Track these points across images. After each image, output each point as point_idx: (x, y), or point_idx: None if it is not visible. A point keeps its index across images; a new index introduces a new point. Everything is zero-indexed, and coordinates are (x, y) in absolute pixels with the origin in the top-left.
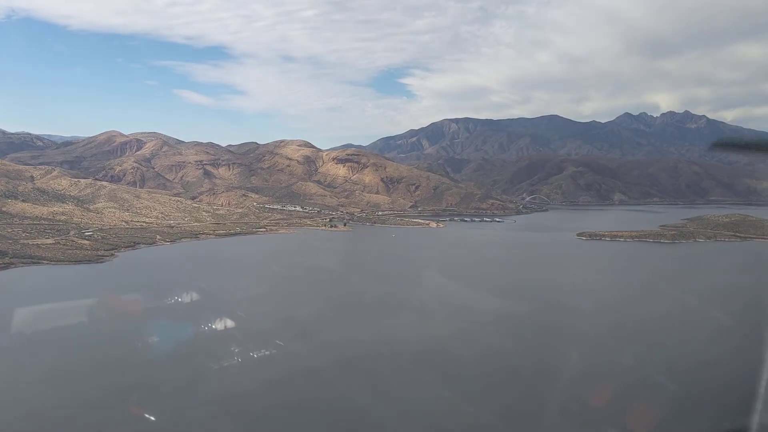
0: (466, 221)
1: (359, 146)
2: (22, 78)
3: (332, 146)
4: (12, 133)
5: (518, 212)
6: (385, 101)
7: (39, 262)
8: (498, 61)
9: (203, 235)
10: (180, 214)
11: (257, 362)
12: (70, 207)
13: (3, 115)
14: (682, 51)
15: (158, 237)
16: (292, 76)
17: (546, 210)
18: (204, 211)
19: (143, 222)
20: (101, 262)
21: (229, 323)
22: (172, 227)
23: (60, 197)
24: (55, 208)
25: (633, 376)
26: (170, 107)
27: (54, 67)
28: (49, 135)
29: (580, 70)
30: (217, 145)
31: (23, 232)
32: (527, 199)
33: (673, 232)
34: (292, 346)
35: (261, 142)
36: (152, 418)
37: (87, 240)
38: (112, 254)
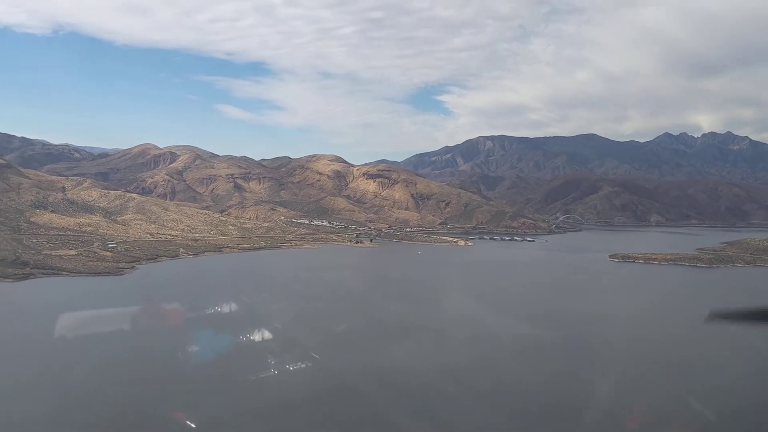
0: (495, 240)
1: (393, 162)
2: (68, 92)
3: (367, 162)
4: (51, 145)
5: (550, 232)
6: (422, 118)
7: (59, 273)
8: (536, 79)
9: (227, 249)
10: (206, 227)
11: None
12: (98, 218)
13: (48, 127)
14: (726, 71)
15: (181, 250)
16: (330, 92)
17: (579, 230)
18: (230, 224)
19: (169, 234)
20: (120, 275)
21: (241, 339)
22: (197, 240)
23: (89, 208)
24: (82, 219)
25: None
26: (211, 122)
27: (99, 82)
28: (91, 147)
29: (619, 89)
30: (251, 159)
31: (48, 243)
32: (561, 218)
33: (710, 256)
34: (295, 366)
35: (299, 157)
36: (193, 425)
37: (109, 252)
38: (133, 267)
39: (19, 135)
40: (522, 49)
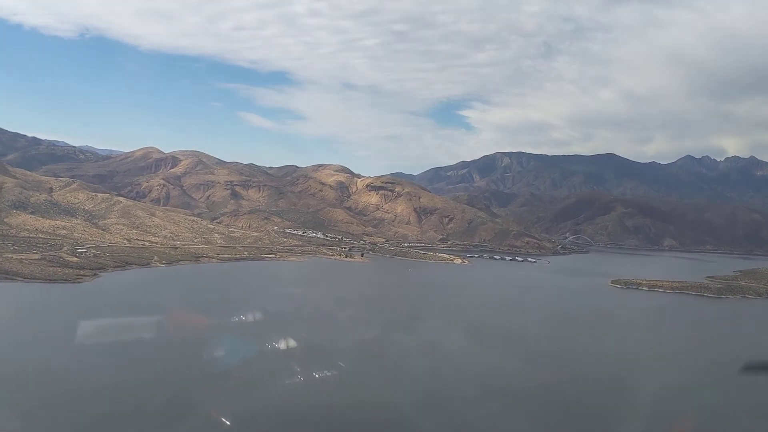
0: (495, 259)
1: (409, 175)
2: (91, 94)
3: (382, 174)
4: (57, 146)
5: (555, 252)
6: (444, 132)
7: (13, 279)
8: (560, 96)
9: (205, 259)
10: (191, 235)
11: None
12: (77, 221)
13: (69, 128)
14: (753, 94)
15: (155, 258)
16: (352, 103)
17: (587, 252)
18: (218, 233)
19: (148, 241)
20: (78, 282)
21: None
22: (176, 248)
23: (71, 211)
24: (58, 222)
25: None
26: (234, 129)
27: (122, 86)
28: (110, 150)
29: (643, 110)
30: (257, 167)
31: (13, 246)
32: (569, 238)
33: (719, 286)
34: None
35: (306, 166)
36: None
37: (76, 257)
38: (95, 274)
39: (30, 135)
40: (546, 66)
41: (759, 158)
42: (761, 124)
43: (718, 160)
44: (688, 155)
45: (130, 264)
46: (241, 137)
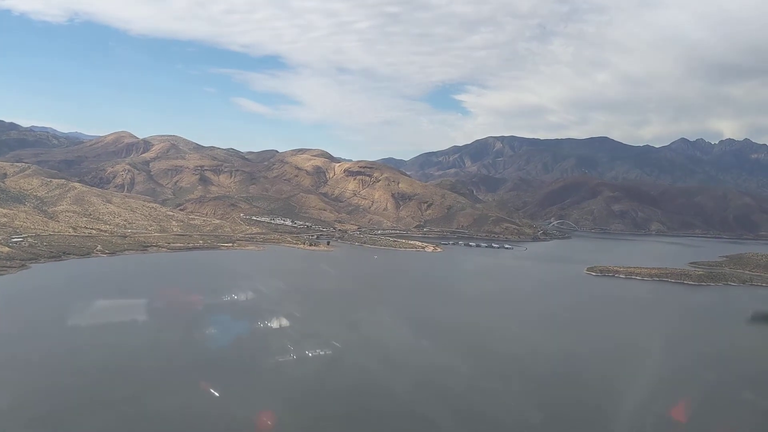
0: (471, 246)
1: (400, 161)
2: (81, 81)
3: (375, 160)
4: (29, 131)
5: (535, 238)
6: (440, 117)
7: None
8: (556, 80)
9: (154, 248)
10: (145, 223)
11: None
12: (23, 209)
13: (58, 115)
14: (750, 76)
15: (99, 248)
16: (347, 88)
17: (569, 237)
18: (176, 220)
19: (97, 229)
20: None
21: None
22: (125, 237)
23: (19, 198)
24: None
25: None
26: (228, 115)
27: (113, 71)
28: (98, 137)
29: (640, 93)
30: (235, 151)
31: None
32: (553, 223)
33: (701, 273)
34: None
35: (285, 150)
36: (216, 394)
37: (9, 247)
38: (23, 265)
39: (23, 123)
40: (541, 48)
41: (754, 141)
42: (758, 107)
43: (713, 142)
44: (683, 138)
45: (69, 254)
46: (234, 123)
